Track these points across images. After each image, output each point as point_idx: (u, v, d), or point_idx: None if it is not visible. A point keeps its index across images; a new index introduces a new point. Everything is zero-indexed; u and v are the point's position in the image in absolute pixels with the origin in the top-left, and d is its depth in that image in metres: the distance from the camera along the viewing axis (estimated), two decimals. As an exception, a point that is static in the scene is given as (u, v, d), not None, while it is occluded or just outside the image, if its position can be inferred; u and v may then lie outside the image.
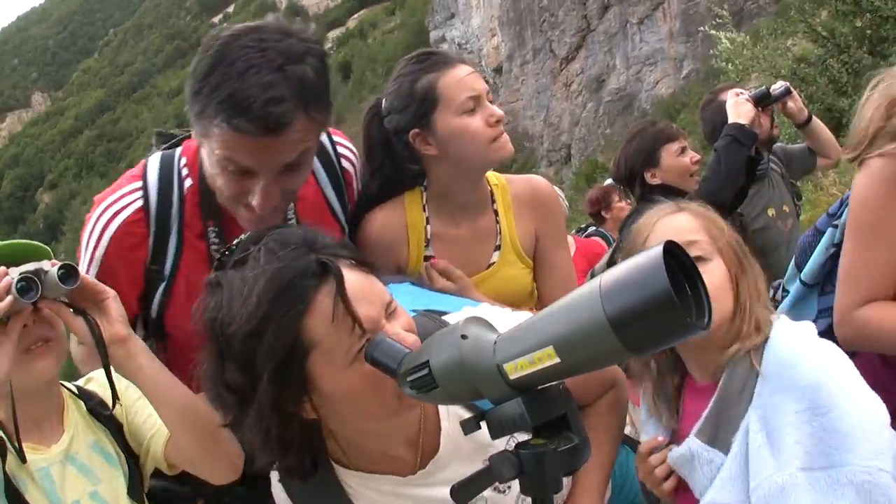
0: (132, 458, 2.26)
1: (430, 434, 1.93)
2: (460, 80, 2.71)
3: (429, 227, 2.88)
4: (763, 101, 4.28)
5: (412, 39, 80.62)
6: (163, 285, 2.45)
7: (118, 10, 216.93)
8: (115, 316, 2.05)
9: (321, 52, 2.23)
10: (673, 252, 1.24)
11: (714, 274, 2.08)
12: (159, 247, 2.42)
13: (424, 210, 2.88)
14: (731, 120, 4.05)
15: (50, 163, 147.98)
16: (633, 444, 2.57)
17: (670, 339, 1.24)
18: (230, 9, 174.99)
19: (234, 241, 1.81)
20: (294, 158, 2.20)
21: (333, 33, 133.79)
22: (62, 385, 2.26)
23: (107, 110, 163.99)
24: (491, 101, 2.77)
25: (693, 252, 2.02)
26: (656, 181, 4.39)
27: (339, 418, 1.77)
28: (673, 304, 1.16)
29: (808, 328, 2.12)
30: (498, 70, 60.61)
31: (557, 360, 1.31)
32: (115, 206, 2.40)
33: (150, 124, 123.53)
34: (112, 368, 2.07)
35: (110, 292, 2.08)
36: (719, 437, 2.07)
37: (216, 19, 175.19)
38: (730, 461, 2.03)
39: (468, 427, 1.49)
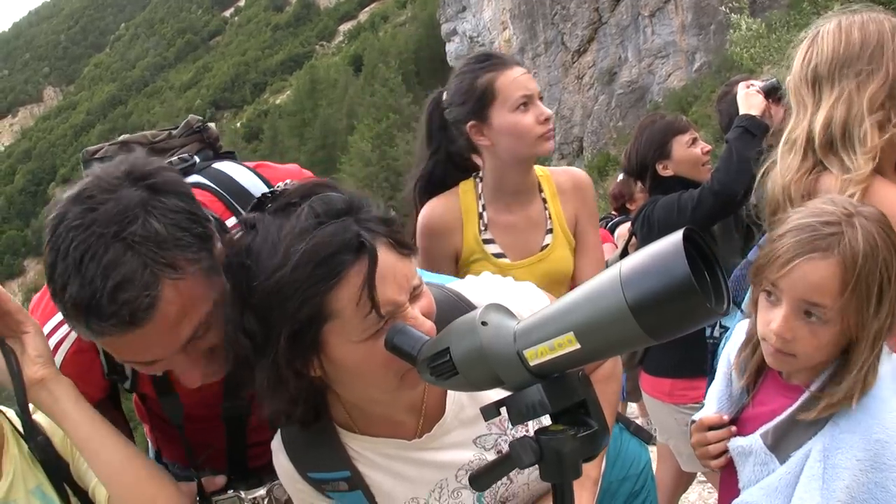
0: (83, 499, 2.08)
1: (433, 400, 1.94)
2: (515, 79, 3.06)
3: (485, 213, 3.20)
4: (773, 93, 4.27)
5: (423, 32, 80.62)
6: (128, 382, 2.27)
7: (129, 5, 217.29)
8: (33, 354, 1.89)
9: (167, 180, 1.81)
10: (692, 238, 1.25)
11: (818, 336, 1.99)
12: (112, 363, 2.17)
13: (480, 199, 3.22)
14: (741, 111, 4.05)
15: (62, 157, 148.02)
16: (626, 422, 2.61)
17: (690, 324, 1.24)
18: (241, 2, 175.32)
19: (277, 185, 1.79)
20: (192, 329, 1.82)
21: (345, 27, 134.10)
22: (6, 417, 2.07)
23: (118, 104, 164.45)
24: (542, 100, 3.13)
25: (813, 311, 1.97)
26: (668, 173, 4.40)
27: (343, 383, 1.79)
28: (693, 290, 1.17)
29: None
30: (509, 63, 60.40)
31: (577, 346, 1.32)
32: (52, 338, 2.09)
33: (162, 118, 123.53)
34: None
35: (32, 325, 1.90)
36: (781, 446, 2.09)
37: (228, 13, 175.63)
38: (781, 473, 2.06)
39: (489, 413, 1.50)
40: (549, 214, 3.30)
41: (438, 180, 3.32)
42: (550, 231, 3.29)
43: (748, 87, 4.14)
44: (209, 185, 2.27)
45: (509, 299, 1.96)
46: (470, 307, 1.93)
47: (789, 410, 2.10)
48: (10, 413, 2.07)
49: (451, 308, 1.90)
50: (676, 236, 1.21)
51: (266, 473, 2.30)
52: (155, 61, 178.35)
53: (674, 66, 47.62)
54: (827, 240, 1.94)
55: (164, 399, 2.15)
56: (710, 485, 5.91)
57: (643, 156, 4.46)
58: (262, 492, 2.35)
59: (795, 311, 1.98)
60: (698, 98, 41.43)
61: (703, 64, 44.60)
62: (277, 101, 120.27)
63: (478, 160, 3.29)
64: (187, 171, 2.32)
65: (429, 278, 2.14)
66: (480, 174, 3.28)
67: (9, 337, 1.88)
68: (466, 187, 3.27)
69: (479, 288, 2.05)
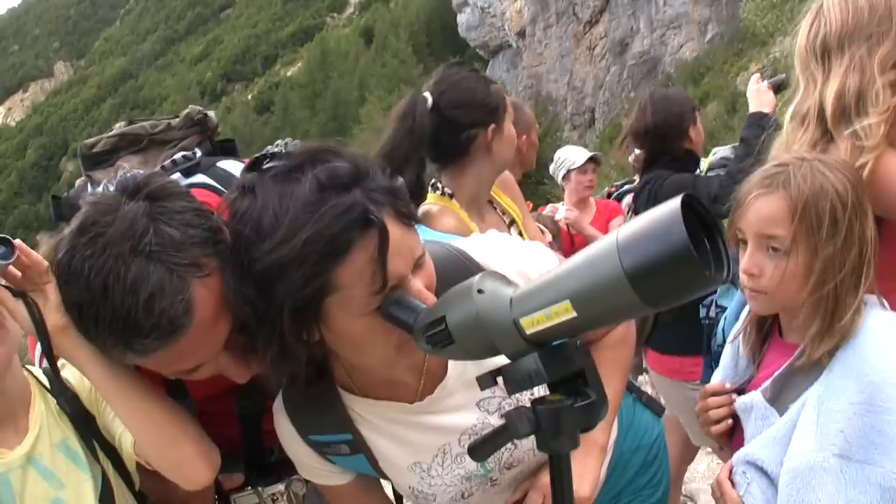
0: (110, 454, 2.09)
1: (435, 360, 1.92)
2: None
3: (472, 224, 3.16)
4: (782, 89, 4.24)
5: (435, 4, 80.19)
6: None
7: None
8: (54, 302, 1.85)
9: (162, 184, 1.82)
10: (692, 205, 1.23)
11: (781, 268, 2.07)
12: None
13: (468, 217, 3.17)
14: (753, 108, 4.01)
15: (73, 132, 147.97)
16: (639, 392, 2.63)
17: (689, 292, 1.22)
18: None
19: (277, 143, 1.77)
20: (229, 324, 1.82)
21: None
22: (33, 375, 2.08)
23: (129, 78, 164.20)
24: None
25: (771, 244, 2.08)
26: (687, 147, 4.43)
27: (343, 350, 1.77)
28: (691, 257, 1.15)
29: None
30: (521, 34, 60.22)
31: (574, 314, 1.30)
32: None
33: (172, 91, 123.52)
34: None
35: (52, 275, 1.86)
36: (780, 399, 2.12)
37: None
38: (779, 425, 2.07)
39: (485, 382, 1.49)
40: (504, 209, 3.47)
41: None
42: (514, 223, 3.48)
43: (758, 82, 4.10)
44: (214, 186, 2.27)
45: (515, 258, 1.96)
46: (475, 266, 1.92)
47: (786, 364, 2.13)
48: (38, 371, 2.09)
49: (455, 267, 1.89)
50: (675, 202, 1.19)
51: (284, 469, 2.33)
52: (165, 34, 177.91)
53: (686, 36, 47.40)
54: (774, 177, 2.06)
55: (178, 403, 2.12)
56: (718, 456, 5.92)
57: (665, 130, 4.45)
58: (280, 487, 2.38)
59: (758, 246, 2.11)
60: (710, 69, 41.25)
61: (716, 35, 44.38)
62: (288, 74, 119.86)
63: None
64: (192, 170, 2.32)
65: (433, 237, 2.11)
66: (445, 191, 3.16)
67: (31, 290, 1.87)
68: (454, 207, 3.15)
69: (484, 247, 2.03)
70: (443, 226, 2.94)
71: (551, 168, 6.78)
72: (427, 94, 3.03)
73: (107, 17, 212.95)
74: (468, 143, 3.08)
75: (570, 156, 6.67)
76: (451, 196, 3.12)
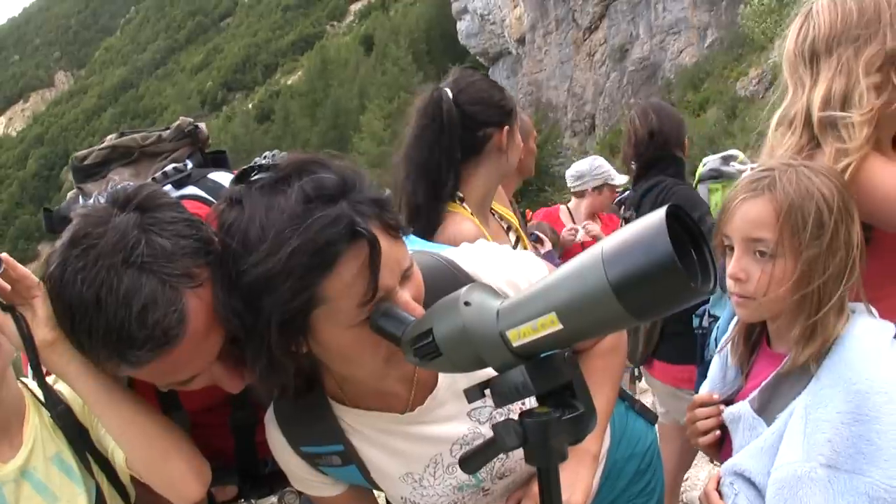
0: (105, 467, 2.06)
1: (425, 371, 1.89)
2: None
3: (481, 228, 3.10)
4: None
5: (434, 12, 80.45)
6: None
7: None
8: (42, 316, 1.83)
9: (152, 195, 1.80)
10: (678, 215, 1.22)
11: (768, 272, 2.06)
12: None
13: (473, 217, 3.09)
14: None
15: (74, 141, 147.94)
16: (632, 401, 2.62)
17: (674, 304, 1.21)
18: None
19: (264, 155, 1.75)
20: (222, 334, 1.79)
21: (355, 6, 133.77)
22: (27, 388, 2.06)
23: (130, 88, 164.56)
24: None
25: (757, 248, 2.07)
26: (680, 156, 4.51)
27: (332, 362, 1.76)
28: (676, 269, 1.13)
29: (887, 330, 2.06)
30: (521, 41, 60.30)
31: (560, 326, 1.29)
32: None
33: (173, 100, 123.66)
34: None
35: (41, 290, 1.83)
36: (767, 409, 2.10)
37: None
38: (767, 435, 2.06)
39: (472, 395, 1.48)
40: (501, 216, 3.43)
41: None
42: (510, 228, 3.45)
43: None
44: (204, 197, 2.25)
45: (505, 268, 1.95)
46: (463, 276, 1.91)
47: (773, 373, 2.11)
48: (32, 384, 2.05)
49: (444, 278, 1.88)
50: (659, 213, 1.18)
51: (277, 481, 2.31)
52: (166, 44, 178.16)
53: (686, 42, 47.52)
54: (760, 182, 2.06)
55: (172, 416, 2.11)
56: (717, 463, 5.89)
57: (666, 139, 4.52)
58: (273, 499, 2.38)
59: (745, 250, 2.10)
60: (710, 74, 41.31)
61: (715, 40, 44.50)
62: (289, 82, 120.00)
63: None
64: (183, 182, 2.30)
65: (423, 246, 2.10)
66: (460, 195, 3.07)
67: (20, 304, 1.84)
68: (456, 206, 3.06)
69: (473, 257, 2.01)
70: (462, 231, 2.90)
71: (578, 171, 6.63)
72: (447, 90, 3.00)
73: (107, 27, 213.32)
74: (484, 141, 3.04)
75: (610, 170, 6.58)
76: (461, 200, 3.07)
